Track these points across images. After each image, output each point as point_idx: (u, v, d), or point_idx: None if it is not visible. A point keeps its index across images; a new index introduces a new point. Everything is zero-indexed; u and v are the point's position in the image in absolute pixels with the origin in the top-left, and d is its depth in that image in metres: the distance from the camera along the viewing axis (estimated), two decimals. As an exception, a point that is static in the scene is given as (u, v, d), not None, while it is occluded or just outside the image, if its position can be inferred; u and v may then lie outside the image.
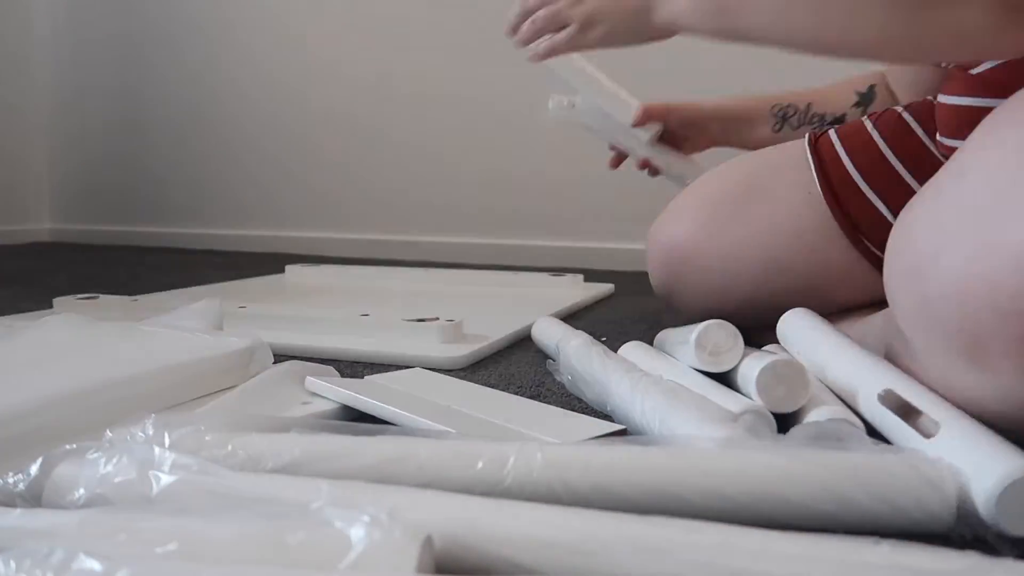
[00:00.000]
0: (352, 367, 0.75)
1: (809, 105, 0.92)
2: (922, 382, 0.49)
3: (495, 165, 1.87)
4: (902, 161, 0.71)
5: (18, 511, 0.34)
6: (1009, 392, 0.40)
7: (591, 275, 1.43)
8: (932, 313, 0.43)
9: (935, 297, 0.42)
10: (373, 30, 1.97)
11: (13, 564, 0.28)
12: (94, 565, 0.28)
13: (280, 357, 0.68)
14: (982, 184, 0.42)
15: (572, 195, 1.78)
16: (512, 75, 1.84)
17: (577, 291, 1.22)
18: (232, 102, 2.18)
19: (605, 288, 1.26)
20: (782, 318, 0.65)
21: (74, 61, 2.40)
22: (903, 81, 0.87)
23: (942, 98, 0.68)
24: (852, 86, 0.91)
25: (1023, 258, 0.37)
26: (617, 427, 0.53)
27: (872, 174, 0.72)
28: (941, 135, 0.70)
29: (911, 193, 0.56)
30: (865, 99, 0.89)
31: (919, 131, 0.72)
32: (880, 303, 0.70)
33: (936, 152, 0.71)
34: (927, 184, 0.50)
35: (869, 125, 0.75)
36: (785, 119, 0.92)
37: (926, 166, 0.68)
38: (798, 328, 0.62)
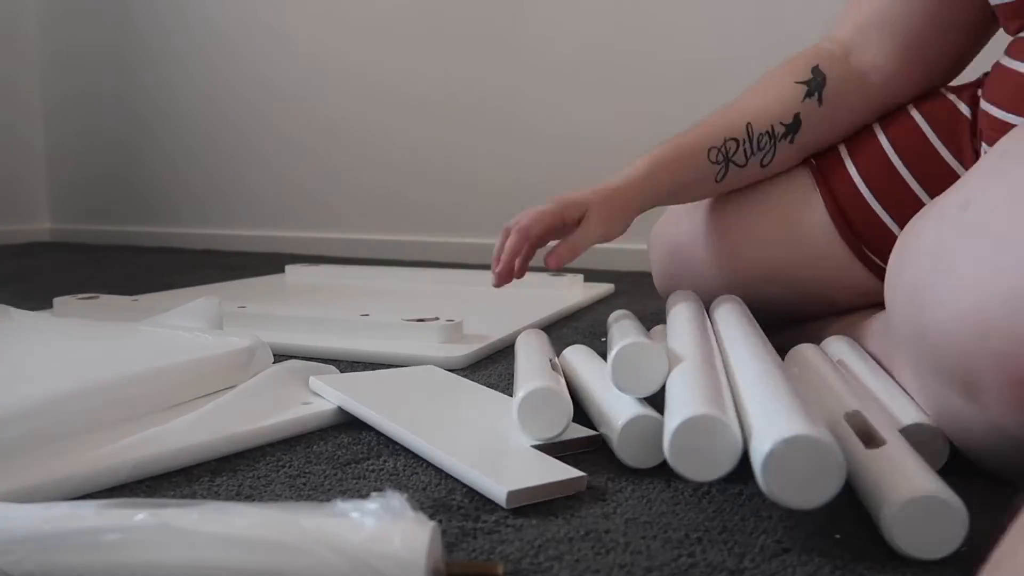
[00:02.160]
0: (352, 367, 0.75)
1: (749, 126, 0.70)
2: (919, 395, 0.49)
3: (495, 165, 1.87)
4: (916, 176, 0.68)
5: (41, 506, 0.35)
6: (999, 424, 0.40)
7: (591, 275, 1.43)
8: (926, 342, 0.42)
9: (930, 327, 0.42)
10: (373, 32, 1.97)
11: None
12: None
13: (280, 357, 0.68)
14: (983, 219, 0.41)
15: (572, 195, 1.77)
16: (511, 77, 1.84)
17: (577, 291, 1.22)
18: (232, 103, 2.18)
19: (605, 288, 1.26)
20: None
21: (73, 61, 2.40)
22: (896, 27, 0.69)
23: (1008, 62, 0.61)
24: (790, 77, 0.71)
25: (1015, 302, 0.36)
26: (593, 432, 0.53)
27: (882, 190, 0.69)
28: (995, 104, 0.62)
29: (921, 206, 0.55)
30: (814, 86, 0.70)
31: (936, 142, 0.68)
32: (880, 305, 0.70)
33: (953, 163, 0.67)
34: (933, 203, 0.48)
35: (881, 135, 0.70)
36: (729, 160, 0.71)
37: (942, 180, 0.64)
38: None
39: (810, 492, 0.36)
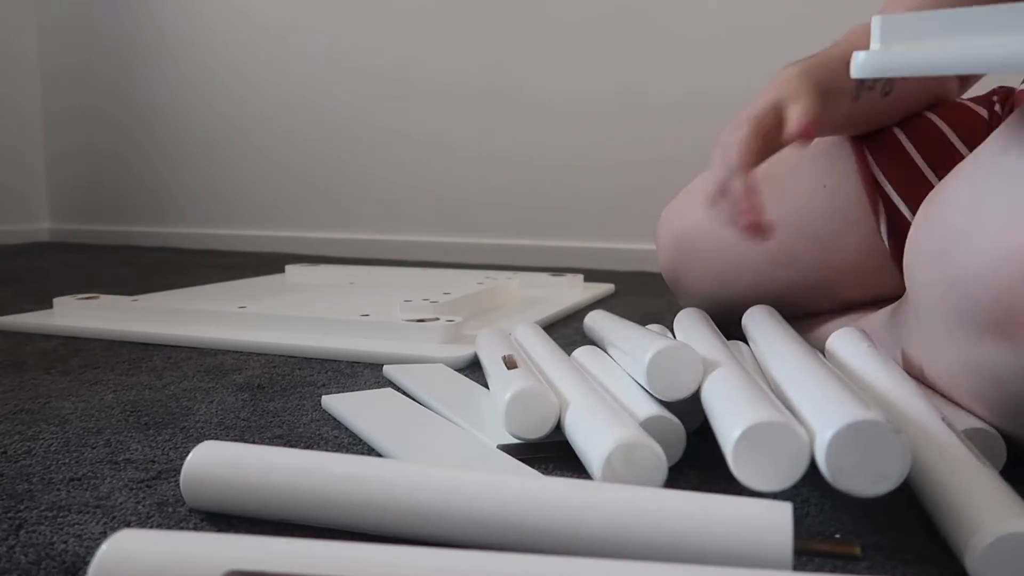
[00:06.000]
0: (352, 367, 0.75)
1: None
2: (938, 367, 0.48)
3: (495, 165, 1.87)
4: (929, 164, 0.69)
5: None
6: None
7: (591, 275, 1.43)
8: (961, 289, 0.42)
9: (966, 272, 0.41)
10: (371, 29, 1.97)
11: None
12: None
13: (280, 357, 0.68)
14: (1021, 161, 0.40)
15: (572, 195, 1.78)
16: (511, 75, 1.84)
17: (577, 291, 1.22)
18: (232, 102, 2.18)
19: (605, 288, 1.26)
20: (747, 313, 0.63)
21: (73, 61, 2.40)
22: None
23: None
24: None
25: None
26: (560, 439, 0.52)
27: (903, 184, 0.70)
28: None
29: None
30: None
31: (954, 138, 0.69)
32: (882, 301, 0.71)
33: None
34: (963, 164, 0.48)
35: (901, 136, 0.72)
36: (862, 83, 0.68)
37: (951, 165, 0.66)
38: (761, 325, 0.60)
39: (870, 480, 0.35)
